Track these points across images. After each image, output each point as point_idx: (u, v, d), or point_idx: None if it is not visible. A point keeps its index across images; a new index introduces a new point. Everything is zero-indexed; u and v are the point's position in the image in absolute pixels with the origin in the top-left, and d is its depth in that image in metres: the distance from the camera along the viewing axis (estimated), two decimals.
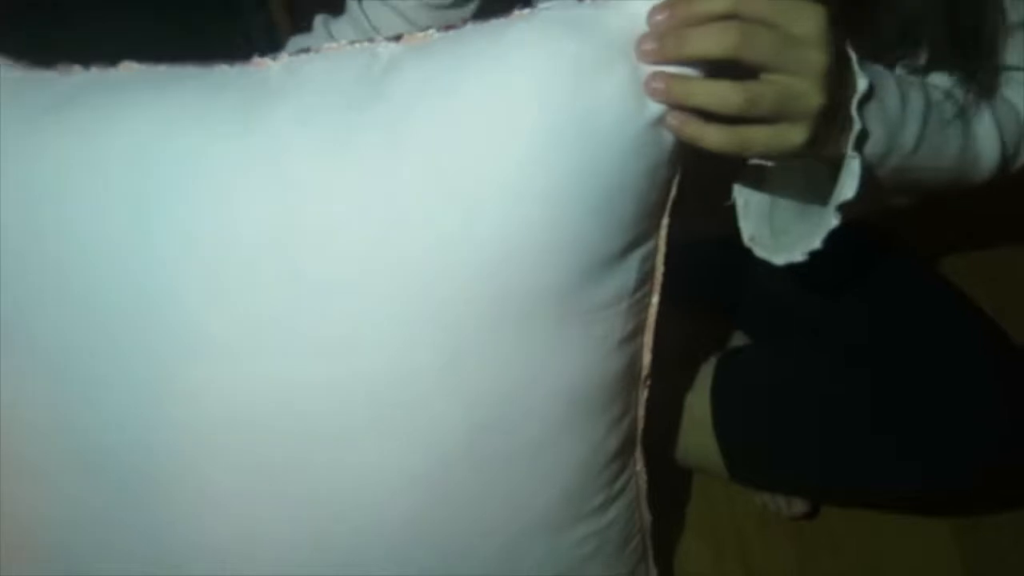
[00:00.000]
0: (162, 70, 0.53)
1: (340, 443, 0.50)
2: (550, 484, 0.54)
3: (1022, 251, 0.96)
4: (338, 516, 0.52)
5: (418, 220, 0.47)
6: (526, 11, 0.49)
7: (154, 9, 0.86)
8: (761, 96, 0.46)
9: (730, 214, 0.58)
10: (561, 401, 0.52)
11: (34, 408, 0.53)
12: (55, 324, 0.51)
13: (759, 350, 0.76)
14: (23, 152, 0.50)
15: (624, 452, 0.57)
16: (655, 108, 0.47)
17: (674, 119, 0.47)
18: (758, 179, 0.56)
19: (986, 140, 0.60)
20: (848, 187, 0.50)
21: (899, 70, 0.60)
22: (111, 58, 0.55)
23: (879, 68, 0.55)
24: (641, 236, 0.51)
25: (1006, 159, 0.62)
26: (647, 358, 0.56)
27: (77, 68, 0.54)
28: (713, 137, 0.47)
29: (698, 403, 0.71)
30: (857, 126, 0.50)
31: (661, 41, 0.46)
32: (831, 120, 0.49)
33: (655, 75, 0.46)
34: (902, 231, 0.77)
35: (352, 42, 0.51)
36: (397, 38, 0.51)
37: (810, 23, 0.46)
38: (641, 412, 0.58)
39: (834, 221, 0.50)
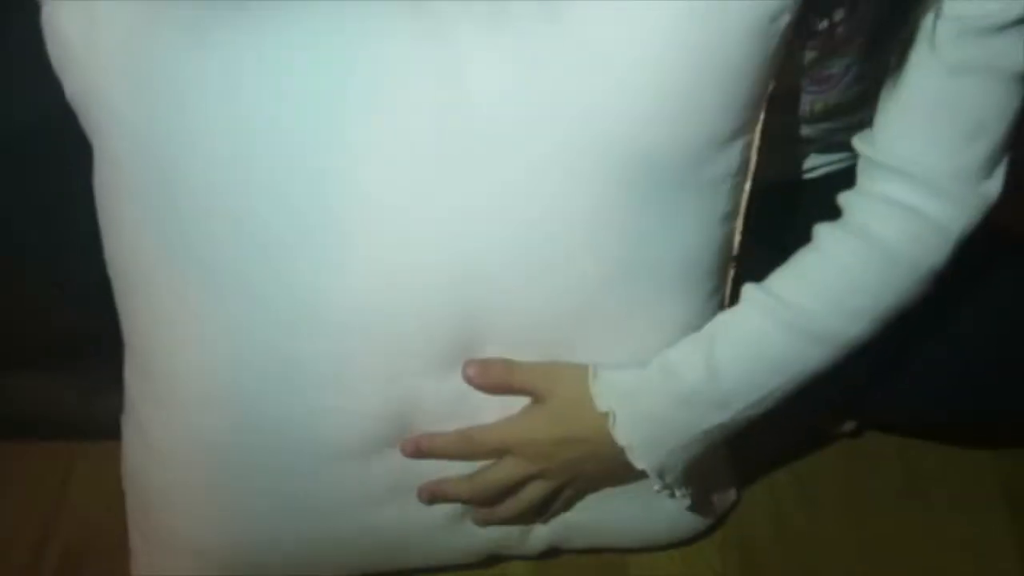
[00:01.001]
0: None
1: (492, 284, 0.58)
2: (658, 342, 0.62)
3: None
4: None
5: (573, 86, 0.55)
6: None
7: None
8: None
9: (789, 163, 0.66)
10: (677, 261, 0.60)
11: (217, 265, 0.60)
12: (244, 199, 0.58)
13: None
14: (213, 41, 0.57)
15: None
16: (773, 5, 0.55)
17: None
18: None
19: (878, 288, 0.59)
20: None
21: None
22: None
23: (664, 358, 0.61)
24: (748, 123, 0.59)
25: (926, 269, 0.59)
26: (737, 239, 0.64)
27: None
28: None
29: None
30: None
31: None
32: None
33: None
34: None
35: None
36: None
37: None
38: (728, 290, 0.65)
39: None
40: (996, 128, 0.57)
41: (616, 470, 0.63)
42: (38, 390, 0.81)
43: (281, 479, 0.64)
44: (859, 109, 0.63)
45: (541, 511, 0.68)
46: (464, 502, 0.66)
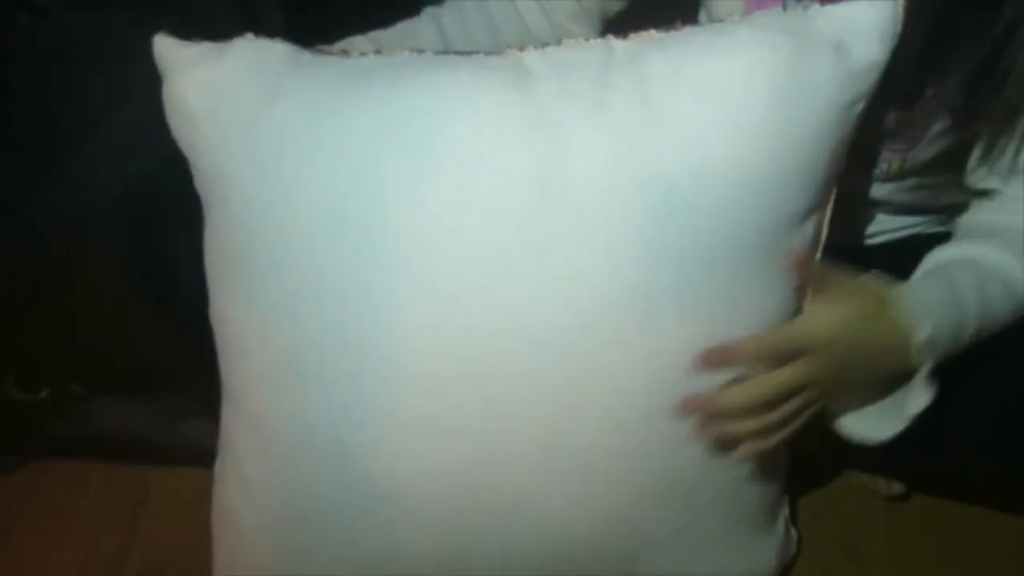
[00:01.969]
0: (429, 56, 0.65)
1: (590, 353, 0.61)
2: None
3: None
4: (575, 423, 0.62)
5: (662, 168, 0.59)
6: (739, 17, 0.62)
7: None
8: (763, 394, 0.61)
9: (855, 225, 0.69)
10: (755, 330, 0.62)
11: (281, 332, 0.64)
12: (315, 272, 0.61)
13: None
14: (331, 119, 0.61)
15: None
16: (849, 94, 0.60)
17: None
18: None
19: None
20: (917, 404, 0.63)
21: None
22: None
23: (941, 284, 0.65)
24: (822, 199, 0.63)
25: None
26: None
27: (355, 52, 0.66)
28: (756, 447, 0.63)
29: None
30: (925, 370, 0.62)
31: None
32: None
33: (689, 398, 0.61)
34: None
35: (586, 39, 0.64)
36: (624, 36, 0.64)
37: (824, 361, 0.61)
38: None
39: (923, 403, 0.62)
40: None
41: (869, 389, 0.64)
42: (123, 414, 0.85)
43: (370, 530, 0.66)
44: (938, 169, 0.66)
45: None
46: (727, 411, 0.62)
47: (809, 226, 0.63)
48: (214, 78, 0.63)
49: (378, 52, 0.67)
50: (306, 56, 0.65)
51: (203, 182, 0.66)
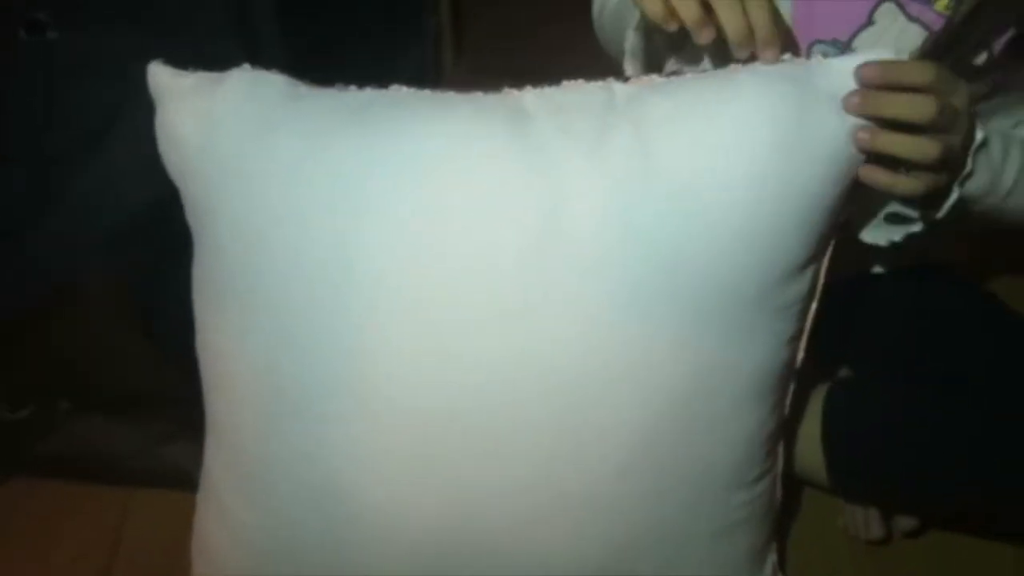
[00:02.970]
0: (427, 94, 0.64)
1: (574, 405, 0.60)
2: (729, 451, 0.65)
3: None
4: (559, 466, 0.62)
5: (660, 220, 0.59)
6: (740, 66, 0.62)
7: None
8: (942, 150, 0.60)
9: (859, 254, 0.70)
10: (746, 381, 0.63)
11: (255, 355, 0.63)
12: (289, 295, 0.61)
13: (864, 380, 0.85)
14: (325, 155, 0.60)
15: (776, 434, 0.69)
16: (852, 148, 0.59)
17: (867, 170, 0.61)
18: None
19: None
20: (943, 210, 0.65)
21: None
22: None
23: (990, 124, 0.68)
24: (821, 251, 0.63)
25: None
26: (800, 355, 0.67)
27: (352, 88, 0.65)
28: (906, 185, 0.61)
29: (809, 423, 0.81)
30: (967, 169, 0.64)
31: (867, 98, 0.59)
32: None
33: (865, 128, 0.59)
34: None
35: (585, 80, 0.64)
36: (625, 79, 0.64)
37: (964, 97, 0.62)
38: (789, 401, 0.69)
39: (917, 227, 0.66)
40: None
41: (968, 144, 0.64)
42: (109, 435, 0.84)
43: (350, 567, 0.65)
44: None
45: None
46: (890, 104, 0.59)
47: (807, 275, 0.63)
48: (208, 109, 0.62)
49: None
50: (303, 89, 0.64)
51: (192, 212, 0.65)
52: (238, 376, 0.65)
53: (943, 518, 0.87)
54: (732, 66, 0.62)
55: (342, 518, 0.64)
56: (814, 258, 0.62)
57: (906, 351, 0.82)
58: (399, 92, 0.65)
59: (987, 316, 0.83)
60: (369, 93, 0.64)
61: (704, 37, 0.62)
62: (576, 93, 0.63)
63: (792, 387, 0.69)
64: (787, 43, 0.69)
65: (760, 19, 0.61)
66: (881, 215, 0.68)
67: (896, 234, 0.67)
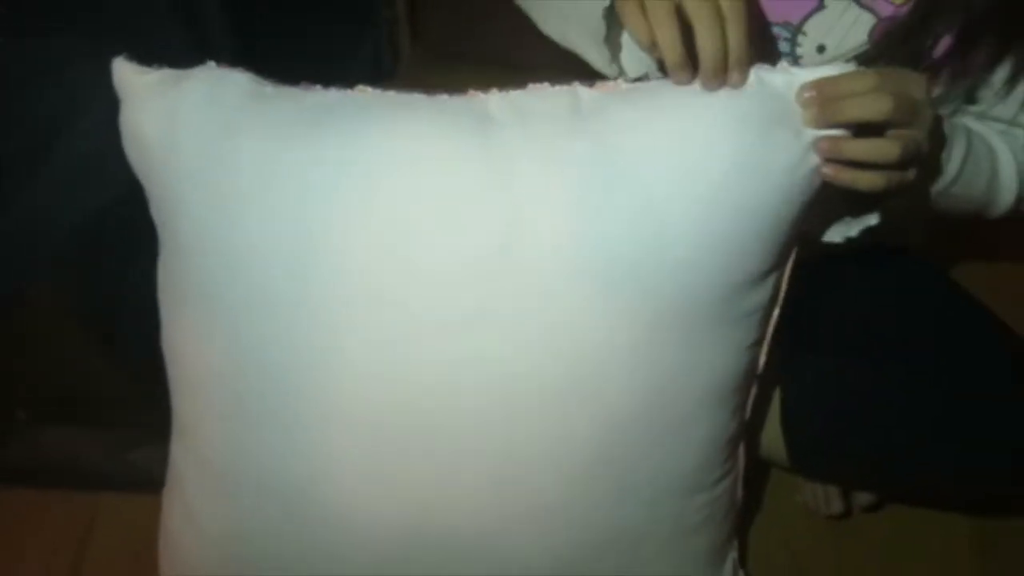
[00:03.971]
0: (392, 95, 0.64)
1: (536, 411, 0.61)
2: (689, 455, 0.66)
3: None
4: (520, 472, 0.63)
5: (622, 229, 0.59)
6: None
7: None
8: (904, 147, 0.60)
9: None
10: (707, 387, 0.64)
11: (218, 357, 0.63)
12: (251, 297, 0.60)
13: (823, 360, 0.85)
14: (290, 156, 0.60)
15: (737, 436, 0.70)
16: (812, 160, 0.60)
17: (831, 169, 0.60)
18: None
19: (1007, 181, 0.74)
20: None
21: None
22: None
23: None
24: (781, 260, 0.63)
25: (1020, 199, 0.76)
26: (762, 360, 0.68)
27: (317, 88, 0.64)
28: (867, 180, 0.61)
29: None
30: (946, 170, 0.66)
31: (824, 108, 0.59)
32: None
33: (824, 138, 0.60)
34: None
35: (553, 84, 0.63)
36: (590, 84, 0.63)
37: (922, 87, 0.62)
38: (750, 404, 0.70)
39: (874, 220, 0.66)
40: None
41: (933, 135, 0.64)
42: (68, 441, 0.84)
43: (316, 570, 0.66)
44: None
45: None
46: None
47: (769, 283, 0.63)
48: (173, 107, 0.61)
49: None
50: (268, 88, 0.63)
51: (158, 210, 0.64)
52: (202, 378, 0.64)
53: (901, 494, 0.89)
54: None
55: (307, 520, 0.65)
56: (775, 267, 0.63)
57: (864, 332, 0.83)
58: (364, 94, 0.64)
59: (943, 297, 0.85)
60: (334, 94, 0.64)
61: (682, 79, 0.60)
62: (541, 99, 0.62)
63: (754, 390, 0.69)
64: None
65: (736, 42, 0.59)
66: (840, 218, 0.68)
67: (853, 229, 0.67)
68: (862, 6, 0.72)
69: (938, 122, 0.65)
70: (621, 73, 0.71)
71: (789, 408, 0.81)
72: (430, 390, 0.61)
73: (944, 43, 0.70)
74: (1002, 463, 0.76)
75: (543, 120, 0.61)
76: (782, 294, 0.66)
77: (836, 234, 0.67)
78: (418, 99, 0.63)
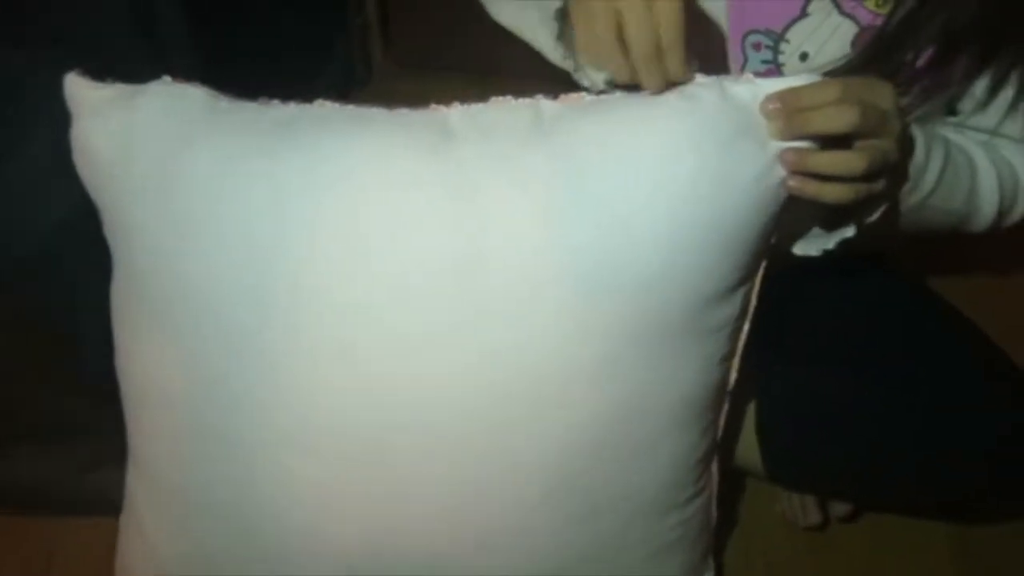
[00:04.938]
0: (351, 109, 0.62)
1: (497, 431, 0.60)
2: (659, 474, 0.64)
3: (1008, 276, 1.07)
4: (482, 493, 0.62)
5: (588, 243, 0.57)
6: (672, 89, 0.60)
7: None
8: (871, 159, 0.59)
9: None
10: (675, 404, 0.63)
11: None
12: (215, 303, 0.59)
13: (799, 370, 0.84)
14: (245, 173, 0.59)
15: (709, 454, 0.69)
16: (779, 172, 0.59)
17: (796, 182, 0.59)
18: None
19: (987, 194, 0.74)
20: (875, 214, 0.64)
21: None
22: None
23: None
24: (749, 274, 0.62)
25: (1001, 213, 0.75)
26: (733, 376, 0.67)
27: (275, 102, 0.63)
28: (833, 192, 0.60)
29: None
30: (911, 181, 0.64)
31: (789, 120, 0.58)
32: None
33: (788, 150, 0.58)
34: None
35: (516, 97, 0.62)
36: (554, 97, 0.62)
37: (890, 98, 0.60)
38: (722, 421, 0.69)
39: (851, 232, 0.65)
40: None
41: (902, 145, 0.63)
42: (29, 465, 0.82)
43: None
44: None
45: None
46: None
47: (738, 297, 0.62)
48: (126, 123, 0.60)
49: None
50: (223, 103, 0.62)
51: (111, 229, 0.63)
52: (156, 401, 0.63)
53: (878, 502, 0.89)
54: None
55: (264, 543, 0.63)
56: (744, 280, 0.62)
57: (839, 341, 0.83)
58: (323, 108, 0.63)
59: (917, 305, 0.84)
60: (292, 108, 0.62)
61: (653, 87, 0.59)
62: (503, 112, 0.61)
63: (726, 407, 0.68)
64: (711, 46, 0.68)
65: (668, 24, 0.57)
66: (812, 230, 0.67)
67: (829, 242, 0.66)
68: (843, 14, 0.71)
69: (907, 131, 0.64)
70: (578, 68, 0.71)
71: (764, 417, 0.81)
72: (391, 409, 0.60)
73: (926, 54, 0.70)
74: (977, 470, 0.76)
75: (505, 135, 0.59)
76: (752, 308, 0.64)
77: (813, 247, 0.66)
78: (378, 113, 0.62)
